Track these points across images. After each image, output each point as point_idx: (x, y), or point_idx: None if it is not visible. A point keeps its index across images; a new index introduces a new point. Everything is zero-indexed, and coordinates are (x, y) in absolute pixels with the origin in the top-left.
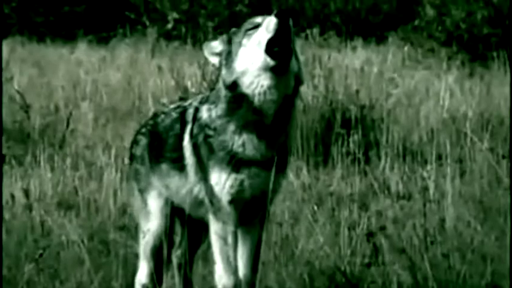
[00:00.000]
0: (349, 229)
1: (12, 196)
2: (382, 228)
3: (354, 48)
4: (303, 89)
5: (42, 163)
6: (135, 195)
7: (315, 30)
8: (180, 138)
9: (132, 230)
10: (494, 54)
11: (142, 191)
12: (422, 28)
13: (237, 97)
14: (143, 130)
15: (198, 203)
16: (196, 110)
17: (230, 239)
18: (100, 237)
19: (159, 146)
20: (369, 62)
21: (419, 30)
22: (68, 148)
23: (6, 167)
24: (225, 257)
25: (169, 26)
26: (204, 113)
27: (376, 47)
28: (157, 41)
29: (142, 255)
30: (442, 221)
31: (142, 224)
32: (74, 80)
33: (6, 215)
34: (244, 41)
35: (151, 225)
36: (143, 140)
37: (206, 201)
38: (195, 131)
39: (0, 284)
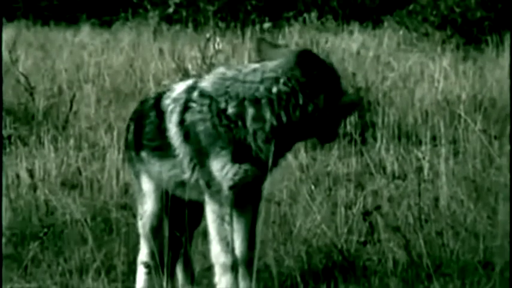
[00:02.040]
0: (345, 208)
1: (18, 176)
2: (378, 208)
3: (350, 32)
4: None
5: (46, 144)
6: (132, 178)
7: (313, 14)
8: (159, 127)
9: (133, 209)
10: (488, 37)
11: (136, 175)
12: (417, 12)
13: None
14: (132, 116)
15: (185, 186)
16: (187, 100)
17: (227, 219)
18: (103, 216)
19: (140, 134)
20: (365, 45)
21: (414, 15)
22: (71, 129)
23: (11, 147)
24: (223, 237)
25: (171, 10)
26: (219, 103)
27: (372, 31)
28: (159, 25)
29: (142, 235)
30: (436, 200)
31: (139, 206)
32: (77, 63)
33: (12, 195)
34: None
35: (146, 207)
36: (131, 127)
37: (201, 184)
38: (189, 118)
39: (0, 264)
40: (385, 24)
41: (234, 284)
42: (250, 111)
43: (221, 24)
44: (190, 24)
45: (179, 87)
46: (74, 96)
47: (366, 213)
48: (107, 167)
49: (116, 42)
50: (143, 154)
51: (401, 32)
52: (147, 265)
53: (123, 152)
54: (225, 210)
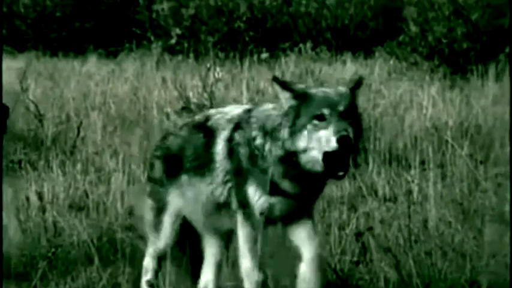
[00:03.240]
0: (339, 229)
1: (27, 198)
2: (370, 229)
3: (343, 62)
4: None
5: (54, 168)
6: (149, 211)
7: (308, 45)
8: (206, 146)
9: (138, 230)
10: (473, 67)
11: (160, 210)
12: (406, 43)
13: (288, 157)
14: (157, 154)
15: (217, 207)
16: (239, 121)
17: (259, 239)
18: (108, 237)
19: (177, 164)
20: (357, 74)
21: (403, 45)
22: (78, 154)
23: (22, 172)
24: (254, 255)
25: (173, 41)
26: (252, 130)
27: (364, 60)
28: (162, 55)
29: (147, 258)
30: (425, 221)
31: (152, 237)
32: (84, 91)
33: (22, 216)
34: (309, 127)
35: (160, 243)
36: (158, 165)
37: (234, 204)
38: (237, 138)
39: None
40: (376, 54)
41: None
42: (267, 145)
43: (221, 55)
44: (191, 55)
45: (236, 110)
46: (81, 123)
47: (359, 234)
48: (112, 190)
49: (121, 71)
50: (183, 178)
51: (391, 62)
52: (150, 283)
53: (130, 173)
54: (256, 232)
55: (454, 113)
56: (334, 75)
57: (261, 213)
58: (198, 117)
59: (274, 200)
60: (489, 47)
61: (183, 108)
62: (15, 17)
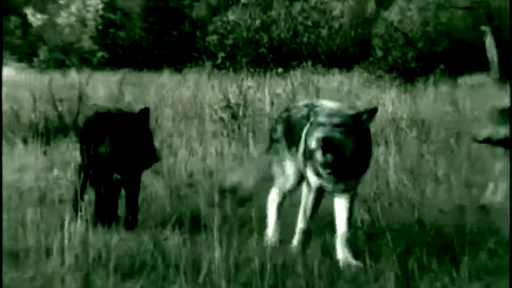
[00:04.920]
0: None
1: None
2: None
3: (333, 75)
4: (302, 98)
5: None
6: (274, 164)
7: (309, 63)
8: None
9: (196, 186)
10: (419, 78)
11: (281, 161)
12: (374, 63)
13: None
14: (280, 119)
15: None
16: (311, 122)
17: (312, 199)
18: (176, 192)
19: (291, 133)
20: (342, 83)
21: (372, 64)
22: (158, 136)
23: None
24: (305, 211)
25: (219, 61)
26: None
27: (346, 73)
28: (212, 71)
29: (275, 190)
30: (387, 182)
31: (280, 181)
32: (160, 95)
33: None
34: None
35: (288, 183)
36: (280, 127)
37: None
38: (307, 131)
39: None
40: (354, 69)
41: (304, 242)
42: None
43: (251, 70)
44: (231, 70)
45: (328, 104)
46: (158, 116)
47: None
48: (178, 160)
49: (184, 82)
50: (293, 148)
51: (365, 75)
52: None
53: (191, 148)
54: (311, 194)
55: (407, 109)
56: (326, 84)
57: (316, 187)
58: (312, 104)
59: (321, 180)
60: (429, 65)
61: (226, 106)
62: (116, 46)
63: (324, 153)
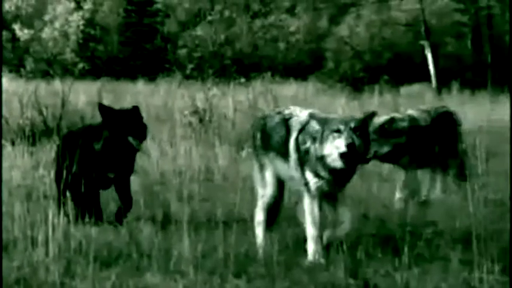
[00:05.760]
0: None
1: None
2: None
3: (289, 84)
4: (262, 105)
5: None
6: (255, 170)
7: (268, 74)
8: (285, 138)
9: (167, 184)
10: (366, 87)
11: (261, 168)
12: (326, 73)
13: (321, 158)
14: (257, 126)
15: (294, 180)
16: (303, 126)
17: (316, 206)
18: (149, 189)
19: (267, 140)
20: (298, 92)
21: (325, 74)
22: None
23: None
24: (313, 218)
25: (188, 72)
26: (305, 134)
27: (302, 83)
28: (181, 80)
29: (258, 209)
30: None
31: (260, 189)
32: (135, 102)
33: None
34: (331, 138)
35: (267, 191)
36: (258, 134)
37: (301, 183)
38: (300, 138)
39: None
40: (309, 79)
41: (321, 249)
42: (312, 148)
43: (216, 80)
44: (199, 80)
45: (303, 114)
46: None
47: None
48: (151, 160)
49: (157, 90)
50: (271, 154)
51: (318, 84)
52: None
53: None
54: (314, 201)
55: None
56: (283, 92)
57: (316, 189)
58: (286, 112)
59: (320, 182)
60: (374, 75)
61: (194, 112)
62: (95, 58)
63: (348, 158)
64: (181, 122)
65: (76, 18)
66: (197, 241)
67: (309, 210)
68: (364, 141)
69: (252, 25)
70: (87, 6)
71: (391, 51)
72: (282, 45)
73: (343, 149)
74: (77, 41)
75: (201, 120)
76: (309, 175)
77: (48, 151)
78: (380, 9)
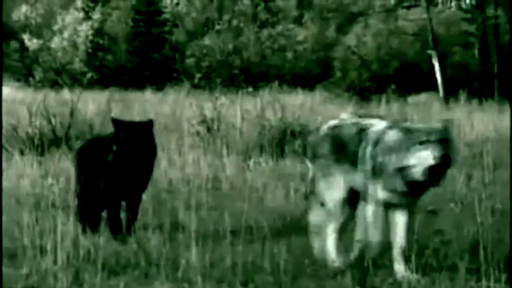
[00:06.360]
0: None
1: None
2: None
3: (297, 94)
4: (270, 114)
5: None
6: (320, 179)
7: (276, 83)
8: (361, 149)
9: (175, 192)
10: (373, 96)
11: (326, 176)
12: (334, 83)
13: (401, 169)
14: (324, 137)
15: (364, 190)
16: (380, 136)
17: (379, 216)
18: (157, 198)
19: (342, 149)
20: (305, 101)
21: (332, 84)
22: None
23: None
24: (378, 224)
25: (196, 81)
26: (380, 147)
27: (309, 92)
28: (189, 89)
29: (330, 238)
30: None
31: (328, 197)
32: (144, 111)
33: None
34: (415, 149)
35: (336, 195)
36: (326, 144)
37: (368, 190)
38: (375, 152)
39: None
40: (317, 88)
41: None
42: (386, 160)
43: (224, 89)
44: (207, 89)
45: (380, 125)
46: None
47: None
48: (159, 169)
49: (165, 99)
50: (343, 161)
51: (325, 94)
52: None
53: (169, 156)
54: (380, 209)
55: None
56: (290, 101)
57: (383, 202)
58: (364, 123)
59: (390, 194)
60: (382, 85)
61: (202, 121)
62: (104, 67)
63: (436, 171)
64: (189, 131)
65: (85, 28)
66: (205, 250)
67: (373, 216)
68: (451, 152)
69: (260, 35)
70: (96, 16)
71: (398, 60)
72: (289, 54)
73: (430, 161)
74: (85, 51)
75: (209, 129)
76: (377, 187)
77: (57, 160)
78: (387, 18)
